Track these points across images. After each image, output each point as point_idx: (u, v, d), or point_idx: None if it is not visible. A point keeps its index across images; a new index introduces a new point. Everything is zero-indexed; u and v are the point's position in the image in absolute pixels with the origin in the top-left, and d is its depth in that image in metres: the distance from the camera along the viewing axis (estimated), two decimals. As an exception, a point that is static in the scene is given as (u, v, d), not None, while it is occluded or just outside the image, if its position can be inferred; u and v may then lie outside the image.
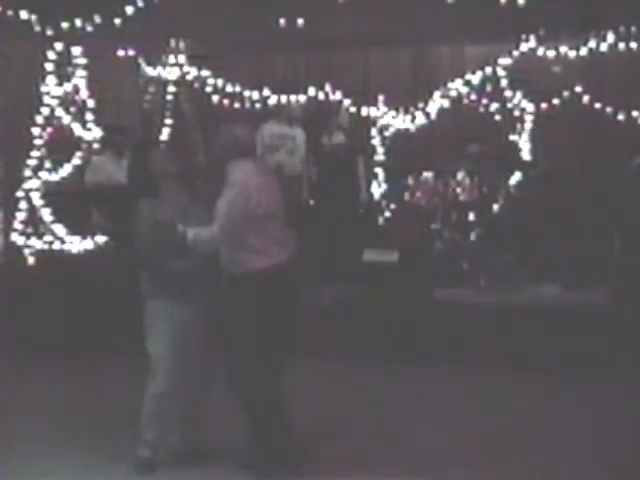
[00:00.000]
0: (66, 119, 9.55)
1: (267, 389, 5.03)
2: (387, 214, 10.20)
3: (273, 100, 10.50)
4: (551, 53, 10.07)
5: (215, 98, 10.67)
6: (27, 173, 9.37)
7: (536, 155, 10.23)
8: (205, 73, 10.64)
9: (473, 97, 10.42)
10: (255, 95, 10.59)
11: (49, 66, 9.31)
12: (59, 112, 9.47)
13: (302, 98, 10.48)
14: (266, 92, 10.53)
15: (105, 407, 6.66)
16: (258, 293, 4.96)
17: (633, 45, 9.70)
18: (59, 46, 9.28)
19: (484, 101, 10.45)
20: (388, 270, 8.46)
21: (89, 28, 9.03)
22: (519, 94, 10.23)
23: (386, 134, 10.56)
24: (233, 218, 4.98)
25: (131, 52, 10.36)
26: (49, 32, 9.10)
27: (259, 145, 10.16)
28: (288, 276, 5.05)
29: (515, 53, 10.10)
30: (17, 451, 5.59)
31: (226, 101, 10.69)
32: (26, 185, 9.38)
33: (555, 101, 10.19)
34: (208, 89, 10.66)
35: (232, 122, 5.73)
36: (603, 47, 9.79)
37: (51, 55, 9.29)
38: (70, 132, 9.62)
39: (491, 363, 7.74)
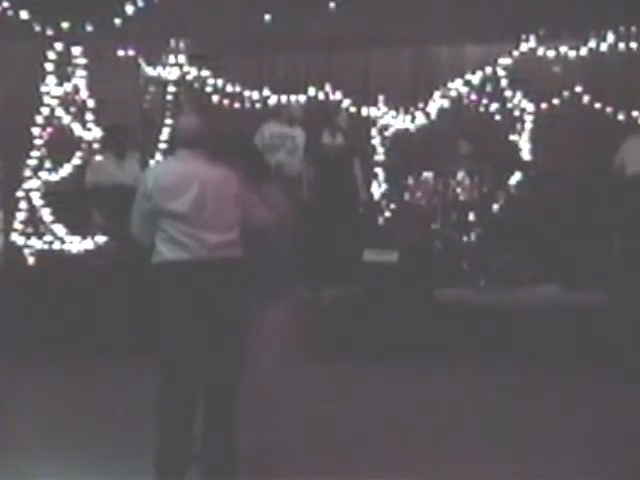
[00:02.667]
0: (66, 119, 9.55)
1: (172, 391, 4.72)
2: (387, 214, 10.21)
3: (273, 100, 10.51)
4: (551, 53, 10.08)
5: (215, 98, 10.68)
6: (27, 173, 9.37)
7: (536, 155, 10.23)
8: (205, 73, 10.64)
9: (473, 97, 10.42)
10: (255, 95, 10.59)
11: (49, 66, 9.31)
12: (59, 112, 9.47)
13: (302, 98, 10.49)
14: (266, 92, 10.53)
15: (106, 407, 6.65)
16: (165, 286, 4.73)
17: (633, 45, 9.71)
18: (59, 46, 9.28)
19: (484, 101, 10.45)
20: (388, 270, 8.46)
21: (89, 28, 9.04)
22: (519, 94, 10.23)
23: (386, 134, 10.57)
24: (133, 211, 4.87)
25: (131, 52, 10.36)
26: (49, 32, 9.11)
27: (259, 145, 10.18)
28: (210, 275, 4.73)
29: (515, 53, 10.10)
30: (17, 451, 5.59)
31: (226, 101, 10.70)
32: (26, 185, 9.38)
33: (555, 101, 10.20)
34: (208, 89, 10.66)
35: (189, 111, 5.54)
36: (603, 47, 9.80)
37: (51, 55, 9.29)
38: (70, 132, 9.61)
39: (491, 363, 7.74)
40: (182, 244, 4.66)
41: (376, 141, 10.58)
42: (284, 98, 10.44)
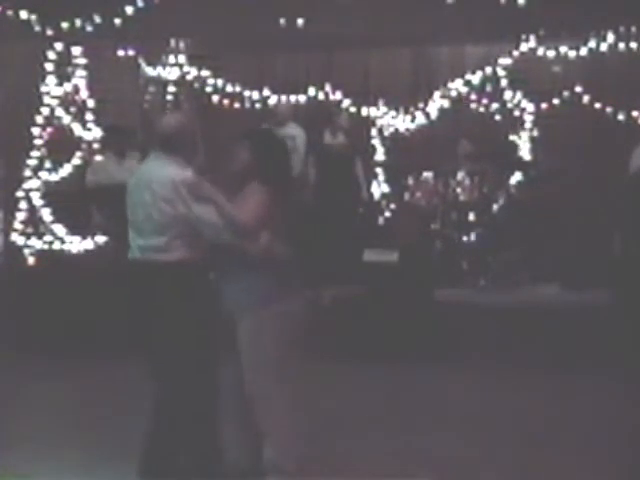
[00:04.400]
0: (66, 119, 9.55)
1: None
2: (387, 214, 10.21)
3: (273, 100, 10.51)
4: (551, 53, 10.08)
5: (215, 98, 10.68)
6: (27, 173, 9.38)
7: (536, 155, 10.23)
8: (205, 73, 10.64)
9: (473, 97, 10.43)
10: (255, 95, 10.59)
11: (49, 66, 9.31)
12: (59, 112, 9.47)
13: (302, 98, 10.49)
14: (266, 92, 10.53)
15: (106, 407, 6.65)
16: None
17: (633, 45, 9.71)
18: (59, 46, 9.29)
19: (484, 101, 10.45)
20: (388, 270, 8.46)
21: (89, 28, 9.04)
22: (519, 94, 10.23)
23: (386, 134, 10.57)
24: None
25: (131, 52, 10.36)
26: (49, 32, 9.11)
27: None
28: (140, 277, 4.78)
29: (515, 53, 10.11)
30: (17, 451, 5.59)
31: (226, 101, 10.70)
32: (26, 185, 9.38)
33: (555, 101, 10.20)
34: (208, 89, 10.66)
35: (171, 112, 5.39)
36: (603, 47, 9.80)
37: (51, 55, 9.30)
38: (70, 132, 9.62)
39: (491, 363, 7.74)
40: (130, 245, 4.84)
41: (376, 141, 10.58)
42: (284, 98, 10.45)
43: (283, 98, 10.49)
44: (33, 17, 8.92)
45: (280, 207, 4.80)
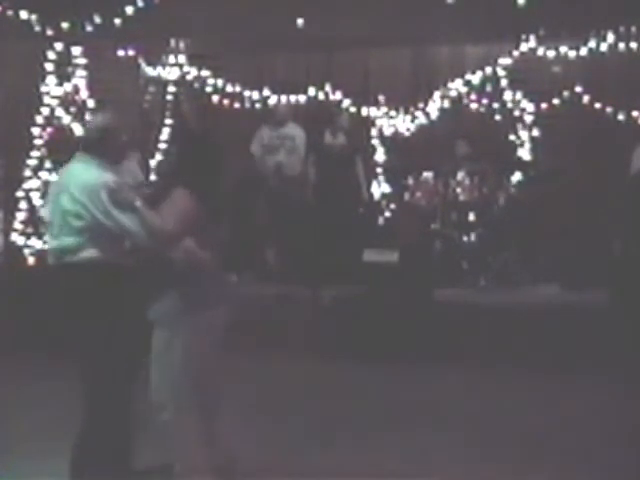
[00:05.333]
0: (66, 119, 9.56)
1: None
2: (387, 214, 10.21)
3: (273, 100, 10.51)
4: (551, 53, 10.08)
5: (215, 98, 10.68)
6: (27, 173, 9.38)
7: (536, 155, 10.23)
8: (205, 73, 10.65)
9: (473, 97, 10.43)
10: (255, 95, 10.60)
11: (49, 66, 9.32)
12: (59, 112, 9.48)
13: (302, 98, 10.49)
14: (266, 92, 10.53)
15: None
16: None
17: (633, 45, 9.71)
18: (59, 46, 9.29)
19: (484, 101, 10.45)
20: (388, 270, 8.46)
21: (89, 28, 9.05)
22: (519, 94, 10.23)
23: (386, 134, 10.57)
24: None
25: (131, 52, 10.37)
26: (49, 32, 9.12)
27: (258, 146, 10.19)
28: (54, 279, 4.73)
29: (515, 53, 10.11)
30: (17, 451, 5.59)
31: (226, 101, 10.70)
32: (26, 185, 9.38)
33: (555, 101, 10.20)
34: (208, 89, 10.67)
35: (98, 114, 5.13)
36: (603, 47, 9.80)
37: (51, 55, 9.30)
38: (70, 132, 9.62)
39: (491, 363, 7.74)
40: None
41: (376, 141, 10.59)
42: (284, 98, 10.45)
43: (283, 98, 10.48)
44: (33, 17, 8.93)
45: (207, 213, 4.57)
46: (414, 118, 10.47)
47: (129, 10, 8.79)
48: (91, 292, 4.62)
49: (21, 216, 9.40)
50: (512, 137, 10.29)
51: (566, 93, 10.16)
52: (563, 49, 10.05)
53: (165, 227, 4.49)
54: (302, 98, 10.52)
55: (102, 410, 4.68)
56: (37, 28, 9.01)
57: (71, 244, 4.62)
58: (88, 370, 4.68)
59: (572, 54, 10.04)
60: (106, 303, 4.61)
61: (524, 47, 10.04)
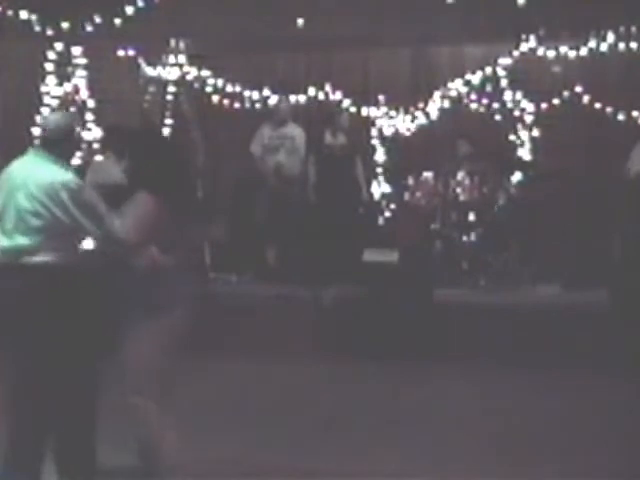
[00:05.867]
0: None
1: None
2: (387, 214, 10.21)
3: (273, 100, 10.51)
4: (551, 53, 10.08)
5: (215, 98, 10.68)
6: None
7: (536, 155, 10.23)
8: (205, 73, 10.65)
9: (473, 97, 10.43)
10: (255, 95, 10.60)
11: (49, 66, 9.32)
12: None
13: (302, 98, 10.49)
14: (266, 92, 10.53)
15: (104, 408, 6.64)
16: None
17: (633, 45, 9.72)
18: (59, 46, 9.29)
19: (484, 101, 10.45)
20: (388, 270, 8.46)
21: (89, 28, 9.05)
22: (519, 94, 10.23)
23: (386, 134, 10.57)
24: None
25: (131, 52, 10.37)
26: (49, 32, 9.12)
27: (258, 145, 10.19)
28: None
29: (515, 53, 10.11)
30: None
31: (226, 101, 10.70)
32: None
33: (555, 101, 10.20)
34: (208, 89, 10.67)
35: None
36: (603, 47, 9.81)
37: (51, 55, 9.30)
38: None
39: (491, 363, 7.74)
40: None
41: (376, 141, 10.59)
42: (278, 100, 10.45)
43: (284, 98, 10.47)
44: (33, 17, 8.93)
45: (171, 216, 4.48)
46: (414, 118, 10.47)
47: (129, 10, 8.79)
48: (48, 296, 4.43)
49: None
50: (512, 137, 10.29)
51: (566, 93, 10.17)
52: (563, 49, 10.05)
53: (127, 234, 4.40)
54: (302, 98, 10.51)
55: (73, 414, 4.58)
56: (37, 28, 9.01)
57: (28, 244, 4.42)
58: (34, 372, 4.46)
59: (572, 54, 10.04)
60: (63, 307, 4.45)
61: (524, 47, 10.04)
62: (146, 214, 4.43)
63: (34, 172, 4.53)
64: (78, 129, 4.82)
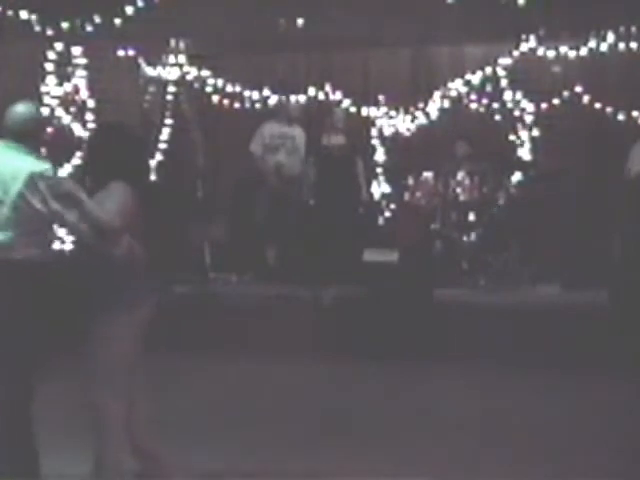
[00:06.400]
0: (66, 119, 9.55)
1: None
2: (387, 214, 10.20)
3: (273, 100, 10.51)
4: (551, 53, 10.08)
5: (215, 98, 10.68)
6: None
7: (536, 155, 10.23)
8: (205, 73, 10.64)
9: (473, 97, 10.42)
10: (255, 95, 10.59)
11: (49, 66, 9.31)
12: (59, 112, 9.48)
13: (302, 98, 10.49)
14: (266, 92, 10.53)
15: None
16: None
17: (633, 45, 9.71)
18: (59, 46, 9.29)
19: (484, 101, 10.45)
20: (388, 270, 8.46)
21: (89, 28, 9.05)
22: (519, 94, 10.23)
23: (386, 134, 10.57)
24: None
25: (131, 52, 10.37)
26: (49, 32, 9.11)
27: (259, 145, 10.19)
28: None
29: (515, 53, 10.11)
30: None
31: (226, 101, 10.70)
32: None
33: (555, 101, 10.20)
34: (208, 89, 10.66)
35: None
36: (603, 47, 9.80)
37: (51, 55, 9.30)
38: (70, 132, 9.61)
39: (491, 363, 7.73)
40: None
41: (376, 141, 10.58)
42: (284, 98, 10.45)
43: (284, 98, 10.47)
44: (33, 17, 8.92)
45: (141, 208, 4.49)
46: (414, 118, 10.47)
47: (129, 10, 8.78)
48: (22, 293, 4.40)
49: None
50: (512, 137, 10.28)
51: (566, 93, 10.16)
52: (563, 49, 10.04)
53: (111, 219, 4.34)
54: (302, 98, 10.51)
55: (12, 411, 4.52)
56: (37, 28, 9.01)
57: (3, 239, 4.35)
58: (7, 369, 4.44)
59: (572, 54, 10.03)
60: (36, 304, 4.44)
61: (524, 47, 10.03)
62: (126, 201, 4.42)
63: (9, 164, 4.44)
64: (48, 120, 4.75)
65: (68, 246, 4.55)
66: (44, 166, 4.47)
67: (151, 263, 4.63)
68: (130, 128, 5.36)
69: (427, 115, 10.43)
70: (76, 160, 9.66)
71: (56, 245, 4.54)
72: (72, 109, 9.65)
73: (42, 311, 4.49)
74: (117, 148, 4.58)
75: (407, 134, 10.55)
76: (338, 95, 10.46)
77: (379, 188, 10.47)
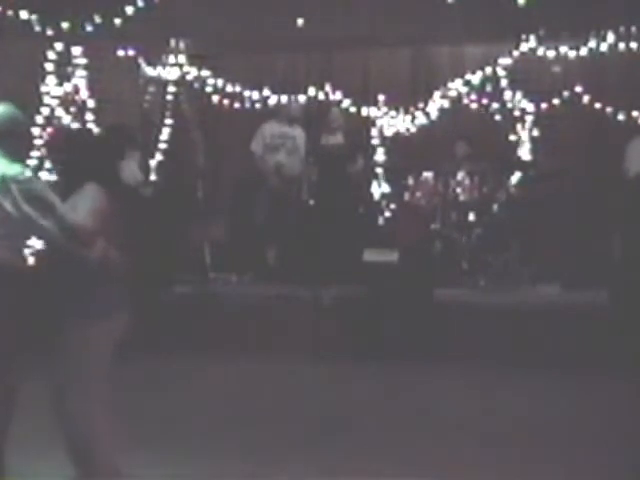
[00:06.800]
0: (66, 119, 9.55)
1: None
2: (387, 214, 10.20)
3: (273, 100, 10.51)
4: (551, 53, 10.07)
5: (215, 98, 10.68)
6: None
7: (536, 155, 10.23)
8: (205, 73, 10.64)
9: (473, 97, 10.42)
10: (255, 95, 10.59)
11: (49, 66, 9.31)
12: (59, 112, 9.47)
13: (302, 98, 10.49)
14: (266, 92, 10.53)
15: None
16: None
17: (633, 45, 9.71)
18: (59, 46, 9.29)
19: (484, 101, 10.45)
20: (388, 270, 8.46)
21: (89, 28, 9.05)
22: (519, 94, 10.23)
23: (386, 134, 10.56)
24: None
25: (131, 52, 10.36)
26: (49, 32, 9.11)
27: (259, 145, 10.19)
28: None
29: (515, 53, 10.10)
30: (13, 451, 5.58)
31: (226, 101, 10.70)
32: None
33: (555, 101, 10.20)
34: (208, 89, 10.66)
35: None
36: (603, 47, 9.80)
37: (51, 55, 9.29)
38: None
39: (491, 363, 7.74)
40: None
41: (376, 141, 10.58)
42: (284, 98, 10.45)
43: (284, 98, 10.47)
44: (33, 17, 8.92)
45: (115, 212, 4.43)
46: (414, 118, 10.46)
47: (129, 10, 8.78)
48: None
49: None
50: (512, 137, 10.28)
51: (566, 93, 10.16)
52: (563, 49, 10.04)
53: (83, 222, 4.27)
54: (302, 98, 10.51)
55: None
56: (37, 28, 9.01)
57: None
58: None
59: (572, 54, 10.03)
60: (6, 310, 4.37)
61: (524, 47, 10.03)
62: (100, 204, 4.36)
63: None
64: (25, 122, 4.68)
65: (41, 250, 4.45)
66: (17, 169, 4.42)
67: (134, 266, 4.58)
68: (99, 130, 5.31)
69: (427, 115, 10.43)
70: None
71: (29, 249, 4.43)
72: (72, 109, 9.64)
73: (15, 314, 4.41)
74: (89, 150, 4.55)
75: (407, 134, 10.55)
76: (338, 95, 10.45)
77: (379, 188, 10.47)
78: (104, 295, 4.41)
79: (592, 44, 9.85)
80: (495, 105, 10.40)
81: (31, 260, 9.16)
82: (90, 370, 4.40)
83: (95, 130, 9.60)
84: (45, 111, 9.34)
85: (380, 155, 10.54)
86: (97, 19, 8.96)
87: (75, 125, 9.58)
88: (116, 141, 9.43)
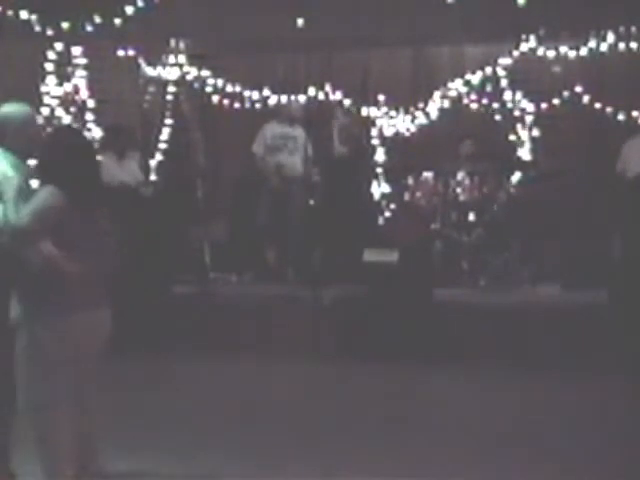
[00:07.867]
0: (66, 119, 9.55)
1: None
2: (387, 214, 10.20)
3: (273, 100, 10.51)
4: (551, 53, 10.07)
5: (215, 98, 10.68)
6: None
7: (536, 155, 10.23)
8: (205, 73, 10.64)
9: (473, 97, 10.42)
10: (255, 95, 10.59)
11: (49, 66, 9.31)
12: (59, 112, 9.47)
13: (302, 98, 10.48)
14: (266, 92, 10.53)
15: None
16: None
17: (633, 45, 9.71)
18: (59, 46, 9.29)
19: (484, 101, 10.45)
20: (388, 270, 8.46)
21: (89, 28, 9.05)
22: (519, 94, 10.23)
23: (386, 134, 10.56)
24: None
25: (131, 52, 10.36)
26: (49, 32, 9.11)
27: (261, 146, 10.19)
28: None
29: (515, 53, 10.10)
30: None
31: (226, 101, 10.70)
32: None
33: (555, 101, 10.20)
34: (208, 89, 10.66)
35: None
36: (603, 47, 9.80)
37: (51, 55, 9.29)
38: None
39: (491, 363, 7.74)
40: None
41: (376, 141, 10.57)
42: (284, 98, 10.45)
43: (284, 98, 10.47)
44: (33, 17, 8.92)
45: (77, 218, 4.31)
46: (414, 118, 10.46)
47: (129, 10, 8.78)
48: None
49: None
50: (512, 137, 10.28)
51: (566, 93, 10.16)
52: (563, 49, 10.04)
53: (24, 221, 4.20)
54: (302, 98, 10.50)
55: None
56: (37, 28, 9.01)
57: None
58: None
59: (572, 54, 10.03)
60: None
61: (524, 47, 10.03)
62: (50, 205, 4.25)
63: None
64: (37, 124, 4.73)
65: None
66: (17, 169, 4.43)
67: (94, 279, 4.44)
68: (78, 132, 5.25)
69: (427, 115, 10.43)
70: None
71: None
72: (72, 109, 9.64)
73: None
74: (55, 152, 4.47)
75: (407, 134, 10.55)
76: (338, 95, 10.45)
77: (379, 188, 10.47)
78: (54, 296, 4.30)
79: (592, 44, 9.85)
80: (495, 105, 10.40)
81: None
82: (41, 370, 4.32)
83: (95, 130, 9.62)
84: (45, 111, 9.34)
85: (380, 155, 10.55)
86: (97, 19, 8.96)
87: (75, 125, 9.59)
88: (114, 141, 9.47)
